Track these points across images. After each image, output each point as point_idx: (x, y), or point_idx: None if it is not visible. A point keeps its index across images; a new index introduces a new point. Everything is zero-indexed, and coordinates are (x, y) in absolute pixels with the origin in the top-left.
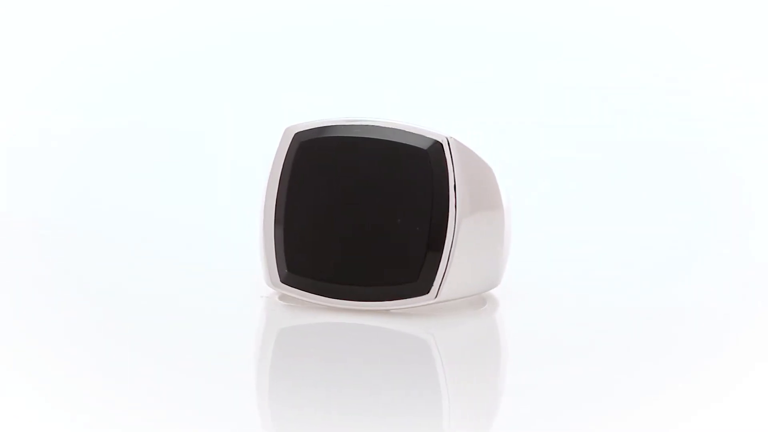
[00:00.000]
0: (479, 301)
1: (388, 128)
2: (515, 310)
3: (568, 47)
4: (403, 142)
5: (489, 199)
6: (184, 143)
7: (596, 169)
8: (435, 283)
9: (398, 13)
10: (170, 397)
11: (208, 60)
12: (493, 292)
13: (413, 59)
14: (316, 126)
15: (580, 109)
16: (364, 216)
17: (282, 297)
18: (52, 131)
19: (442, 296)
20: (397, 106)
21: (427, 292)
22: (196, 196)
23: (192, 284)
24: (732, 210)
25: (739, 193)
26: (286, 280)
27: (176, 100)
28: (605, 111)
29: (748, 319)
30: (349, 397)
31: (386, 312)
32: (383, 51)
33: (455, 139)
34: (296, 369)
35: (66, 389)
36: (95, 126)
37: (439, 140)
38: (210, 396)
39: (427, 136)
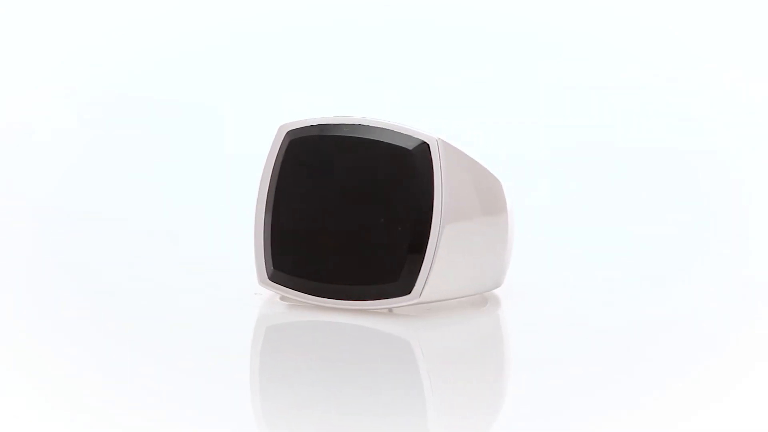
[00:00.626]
0: (480, 300)
1: (377, 128)
2: (513, 311)
3: (568, 47)
4: (390, 141)
5: (486, 203)
6: (185, 141)
7: (596, 169)
8: (418, 283)
9: (401, 13)
10: (155, 393)
11: (211, 59)
12: (494, 291)
13: (416, 59)
14: (307, 124)
15: (580, 109)
16: (348, 215)
17: (283, 297)
18: (52, 130)
19: (425, 297)
20: (401, 107)
21: (409, 293)
22: (196, 194)
23: (190, 282)
24: (732, 210)
25: (738, 192)
26: (272, 277)
27: (177, 99)
28: (605, 111)
29: (747, 319)
30: (334, 396)
31: (373, 311)
32: (388, 51)
33: (444, 141)
34: (284, 367)
35: (61, 387)
36: (95, 125)
37: (427, 141)
38: (195, 393)
39: (415, 136)
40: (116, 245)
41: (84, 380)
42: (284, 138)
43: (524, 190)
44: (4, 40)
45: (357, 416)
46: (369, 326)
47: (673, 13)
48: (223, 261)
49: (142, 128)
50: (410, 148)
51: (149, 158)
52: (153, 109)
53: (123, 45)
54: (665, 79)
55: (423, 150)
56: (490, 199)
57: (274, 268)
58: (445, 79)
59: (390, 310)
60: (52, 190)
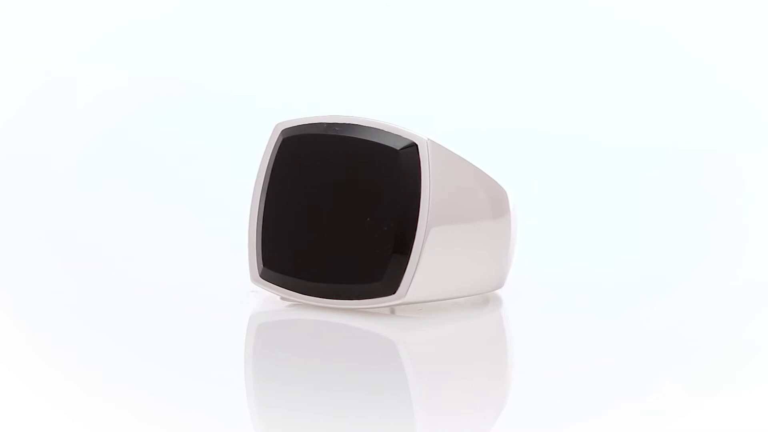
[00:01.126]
0: (482, 301)
1: (368, 127)
2: (512, 312)
3: (568, 47)
4: (379, 141)
5: (481, 206)
6: (188, 138)
7: (597, 169)
8: (402, 284)
9: (405, 14)
10: (143, 387)
11: (212, 57)
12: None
13: (420, 60)
14: (301, 123)
15: (580, 109)
16: (335, 213)
17: (284, 297)
18: (54, 129)
19: (410, 297)
20: (403, 107)
21: (394, 293)
22: (198, 191)
23: (189, 279)
24: (731, 209)
25: (740, 192)
26: (263, 275)
27: (176, 97)
28: (605, 111)
29: (748, 319)
30: (321, 395)
31: (362, 310)
32: (393, 52)
33: (434, 142)
34: (274, 365)
35: (53, 383)
36: (92, 123)
37: (416, 141)
38: (184, 389)
39: (404, 136)
40: (115, 241)
41: (76, 377)
42: (279, 136)
43: (524, 190)
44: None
45: (346, 417)
46: (361, 327)
47: (673, 13)
48: (225, 258)
49: (142, 127)
50: (398, 147)
51: (149, 156)
52: (152, 107)
53: (122, 44)
54: (665, 78)
55: (411, 150)
56: (485, 202)
57: (264, 265)
58: (447, 79)
59: (392, 311)
60: (49, 189)
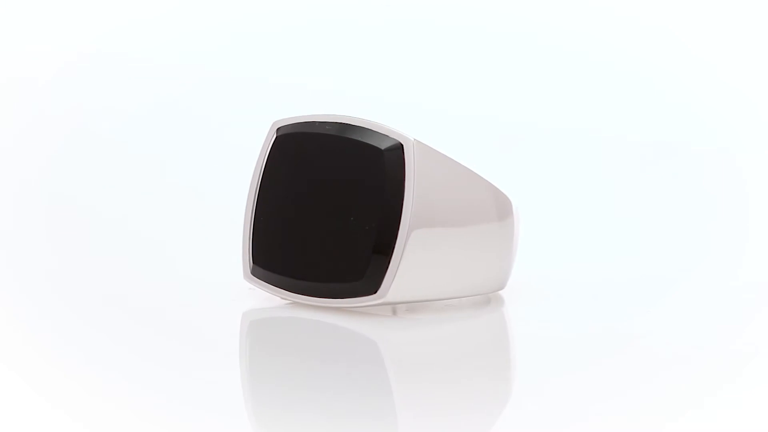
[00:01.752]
0: (483, 300)
1: (358, 126)
2: (498, 313)
3: (567, 47)
4: (365, 141)
5: (473, 210)
6: (191, 137)
7: (597, 168)
8: (384, 284)
9: (416, 14)
10: (137, 385)
11: (220, 56)
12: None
13: (430, 59)
14: (295, 121)
15: (581, 108)
16: (322, 212)
17: (283, 297)
18: (54, 128)
19: (391, 297)
20: (406, 108)
21: (375, 293)
22: (199, 189)
23: (186, 277)
24: (731, 209)
25: (740, 192)
26: (253, 272)
27: (178, 94)
28: (605, 110)
29: (748, 317)
30: (308, 396)
31: (355, 310)
32: (400, 52)
33: (421, 143)
34: (270, 365)
35: (45, 380)
36: (91, 122)
37: (402, 142)
38: (173, 385)
39: (391, 136)
40: (113, 240)
41: (73, 375)
42: (274, 134)
43: (524, 190)
44: None
45: (335, 417)
46: (349, 326)
47: (673, 13)
48: (223, 256)
49: (141, 125)
50: (383, 147)
51: (148, 154)
52: (152, 105)
53: (121, 44)
54: (665, 79)
55: (396, 150)
56: (480, 205)
57: (254, 263)
58: (450, 79)
59: (394, 311)
60: (47, 188)
